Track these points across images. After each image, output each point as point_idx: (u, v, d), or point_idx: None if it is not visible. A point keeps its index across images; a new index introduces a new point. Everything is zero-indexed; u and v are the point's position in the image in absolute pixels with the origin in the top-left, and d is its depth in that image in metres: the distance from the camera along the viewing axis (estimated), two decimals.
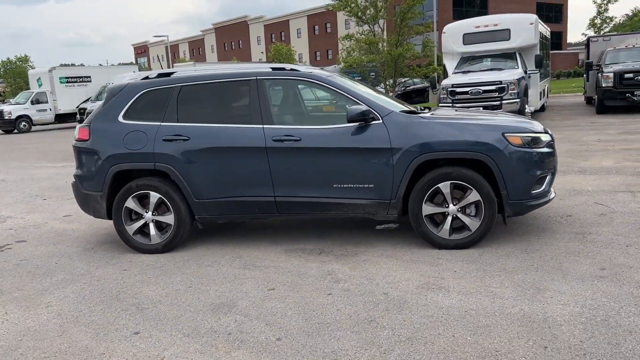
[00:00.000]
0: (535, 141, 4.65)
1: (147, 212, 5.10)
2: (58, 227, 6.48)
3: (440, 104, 13.14)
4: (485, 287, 3.78)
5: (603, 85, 15.64)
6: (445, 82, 13.83)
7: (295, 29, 71.01)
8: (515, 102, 12.88)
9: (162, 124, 5.06)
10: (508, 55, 14.51)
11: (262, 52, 72.85)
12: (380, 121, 4.67)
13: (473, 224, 4.60)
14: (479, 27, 14.91)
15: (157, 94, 5.18)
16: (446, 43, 15.43)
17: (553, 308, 3.38)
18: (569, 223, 5.19)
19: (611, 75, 15.48)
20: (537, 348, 2.92)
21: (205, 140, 4.92)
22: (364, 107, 4.64)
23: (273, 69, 5.14)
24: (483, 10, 53.74)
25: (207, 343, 3.26)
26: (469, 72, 14.14)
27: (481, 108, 12.08)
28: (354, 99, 4.81)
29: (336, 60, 32.66)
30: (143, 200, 5.12)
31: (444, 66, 15.59)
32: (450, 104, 13.04)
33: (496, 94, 13.01)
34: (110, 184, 5.11)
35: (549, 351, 2.88)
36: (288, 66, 5.21)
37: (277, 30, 73.45)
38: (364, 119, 4.63)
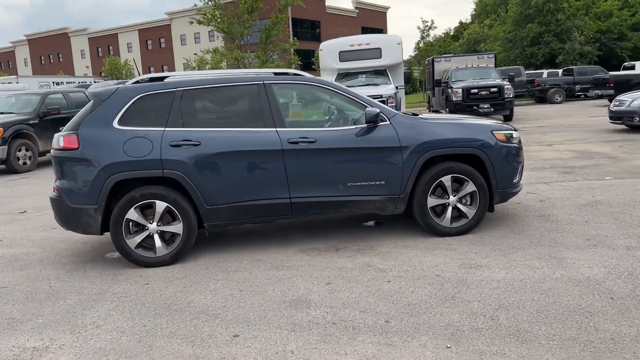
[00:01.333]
0: (512, 138, 5.43)
1: (151, 223, 4.82)
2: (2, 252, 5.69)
3: None
4: (515, 262, 4.38)
5: (453, 100, 17.84)
6: None
7: (126, 42, 67.61)
8: None
9: (167, 129, 4.85)
10: (380, 72, 15.85)
11: (88, 67, 67.97)
12: (388, 122, 5.07)
13: (470, 212, 5.21)
14: (353, 45, 16.05)
15: (155, 98, 4.95)
16: (324, 60, 16.31)
17: (584, 271, 4.07)
18: (524, 209, 6.08)
19: (460, 91, 17.74)
20: (606, 299, 3.55)
21: (219, 145, 4.84)
22: (378, 109, 5.00)
23: (276, 73, 5.25)
24: (316, 32, 56.88)
25: (321, 334, 3.33)
26: (350, 87, 15.13)
27: None
28: (363, 103, 5.14)
29: None
30: (144, 211, 4.83)
31: None
32: None
33: None
34: (108, 195, 4.74)
35: (616, 300, 3.52)
36: (291, 71, 5.35)
37: (104, 43, 69.13)
38: (377, 120, 4.99)
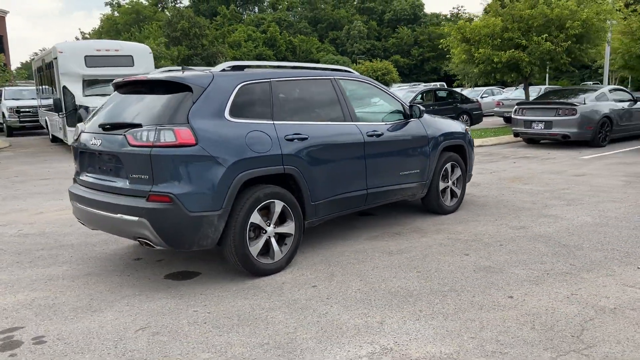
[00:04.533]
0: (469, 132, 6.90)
1: (268, 226, 4.35)
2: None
3: None
4: (497, 222, 5.86)
5: None
6: None
7: None
8: None
9: (275, 122, 4.46)
10: None
11: None
12: (417, 118, 5.84)
13: (458, 192, 6.45)
14: (100, 50, 14.64)
15: (256, 88, 4.46)
16: (65, 64, 14.29)
17: (589, 219, 5.85)
18: (474, 198, 7.61)
19: None
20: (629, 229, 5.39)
21: (322, 138, 4.74)
22: (414, 106, 5.73)
23: (334, 70, 5.36)
24: None
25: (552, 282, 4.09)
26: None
27: None
28: (397, 100, 5.77)
29: None
30: (261, 212, 4.33)
31: (65, 87, 14.26)
32: None
33: None
34: (235, 197, 4.08)
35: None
36: (342, 68, 5.49)
37: None
38: (413, 115, 5.72)
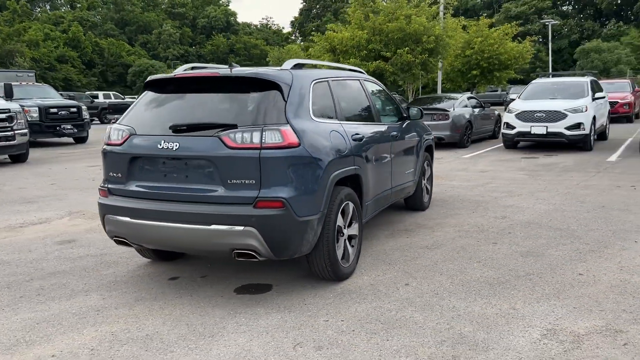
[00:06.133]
0: None
1: (344, 228, 4.24)
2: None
3: None
4: (460, 215, 6.55)
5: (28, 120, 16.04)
6: None
7: None
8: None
9: (342, 122, 4.37)
10: None
11: None
12: (410, 120, 6.13)
13: (430, 189, 6.89)
14: None
15: (322, 87, 4.32)
16: None
17: (545, 207, 6.72)
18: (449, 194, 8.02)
19: (36, 110, 16.11)
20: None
21: (371, 139, 4.75)
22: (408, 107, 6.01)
23: (352, 70, 5.36)
24: None
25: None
26: None
27: None
28: (396, 101, 5.98)
29: None
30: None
31: None
32: None
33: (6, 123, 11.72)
34: (330, 199, 3.91)
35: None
36: (357, 69, 5.48)
37: None
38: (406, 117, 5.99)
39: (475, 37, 21.39)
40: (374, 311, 3.61)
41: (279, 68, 4.16)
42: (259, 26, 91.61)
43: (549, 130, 12.10)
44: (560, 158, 11.41)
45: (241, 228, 3.51)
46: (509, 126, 12.78)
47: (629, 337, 3.17)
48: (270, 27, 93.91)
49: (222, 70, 4.08)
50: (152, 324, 3.49)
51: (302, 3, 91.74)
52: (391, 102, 5.94)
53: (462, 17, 22.88)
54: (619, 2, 68.48)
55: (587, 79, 13.60)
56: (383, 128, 5.16)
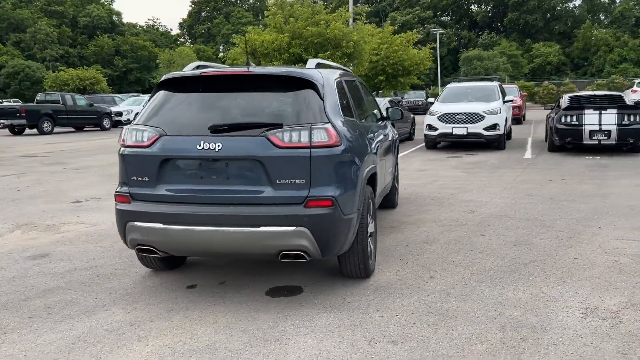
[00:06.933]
0: None
1: (369, 225, 4.28)
2: None
3: None
4: (445, 209, 6.95)
5: None
6: None
7: None
8: None
9: (358, 120, 4.42)
10: None
11: None
12: (390, 120, 6.31)
13: (397, 186, 7.12)
14: None
15: (341, 86, 4.32)
16: None
17: (501, 201, 7.20)
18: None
19: None
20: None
21: (378, 137, 4.92)
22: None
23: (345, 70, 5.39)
24: None
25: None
26: None
27: None
28: (376, 102, 6.12)
29: None
30: None
31: None
32: None
33: None
34: (366, 197, 3.95)
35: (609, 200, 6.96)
36: (345, 68, 5.52)
37: None
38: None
39: (381, 44, 22.27)
40: (420, 304, 3.70)
41: (306, 67, 4.12)
42: (145, 27, 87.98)
43: (469, 131, 12.95)
44: (482, 157, 12.25)
45: (293, 228, 3.44)
46: (432, 127, 13.48)
47: None
48: (158, 28, 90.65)
49: (251, 68, 3.95)
50: (204, 334, 3.31)
51: (190, 5, 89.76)
52: (376, 103, 6.09)
53: (372, 24, 23.71)
54: (490, 15, 74.98)
55: (495, 84, 14.73)
56: (381, 127, 5.28)
